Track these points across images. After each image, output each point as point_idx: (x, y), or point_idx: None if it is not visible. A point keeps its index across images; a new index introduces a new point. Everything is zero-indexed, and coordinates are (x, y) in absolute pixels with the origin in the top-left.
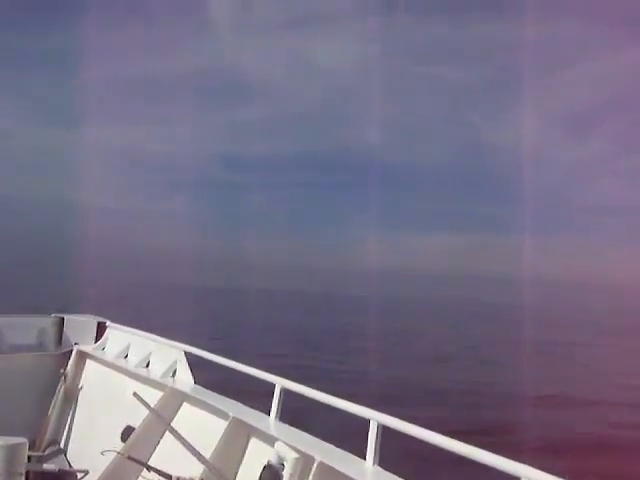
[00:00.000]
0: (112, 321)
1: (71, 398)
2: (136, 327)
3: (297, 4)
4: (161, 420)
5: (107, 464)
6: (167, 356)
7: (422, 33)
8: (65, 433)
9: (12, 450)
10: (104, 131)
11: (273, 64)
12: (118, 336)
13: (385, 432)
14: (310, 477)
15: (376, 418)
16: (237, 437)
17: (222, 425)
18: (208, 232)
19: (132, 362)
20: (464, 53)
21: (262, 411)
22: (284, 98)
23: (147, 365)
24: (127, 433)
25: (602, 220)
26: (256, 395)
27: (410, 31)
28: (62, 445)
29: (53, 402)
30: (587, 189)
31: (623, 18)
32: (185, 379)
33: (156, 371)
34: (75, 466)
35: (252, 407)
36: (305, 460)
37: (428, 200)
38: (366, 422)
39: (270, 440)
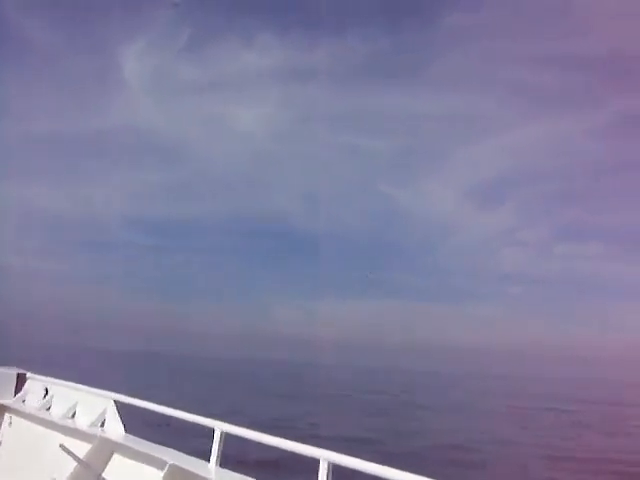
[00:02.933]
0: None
1: None
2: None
3: (212, 68)
4: (90, 472)
5: None
6: (95, 405)
7: (340, 100)
8: None
9: None
10: (8, 189)
11: (187, 127)
12: (40, 387)
13: (337, 471)
14: None
15: (326, 457)
16: None
17: (158, 474)
18: (112, 294)
19: (56, 413)
20: (382, 122)
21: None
22: (196, 161)
23: (73, 416)
24: None
25: (505, 288)
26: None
27: (329, 99)
28: None
29: None
30: (491, 259)
31: (527, 92)
32: (115, 428)
33: (83, 421)
34: None
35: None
36: None
37: (344, 268)
38: (316, 462)
39: None
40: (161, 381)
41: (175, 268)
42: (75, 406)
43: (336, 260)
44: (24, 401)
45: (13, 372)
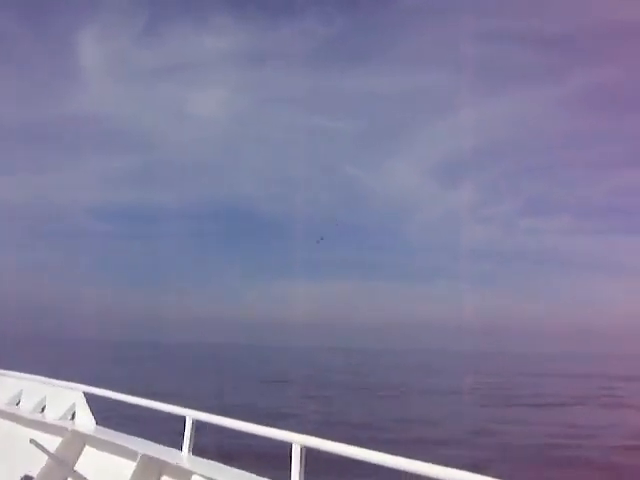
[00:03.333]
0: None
1: None
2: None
3: (170, 52)
4: (62, 466)
5: None
6: (64, 399)
7: (299, 82)
8: None
9: None
10: None
11: (146, 112)
12: (8, 382)
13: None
14: None
15: (299, 441)
16: (148, 475)
17: (131, 465)
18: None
19: (26, 408)
20: (343, 103)
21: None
22: (157, 147)
23: (43, 410)
24: None
25: (470, 265)
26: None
27: (287, 80)
28: None
29: None
30: (457, 235)
31: (489, 68)
32: (86, 421)
33: (53, 415)
34: None
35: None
36: None
37: (305, 249)
38: (288, 445)
39: (185, 475)
40: (130, 369)
41: (141, 254)
42: (44, 400)
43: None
44: None
45: None
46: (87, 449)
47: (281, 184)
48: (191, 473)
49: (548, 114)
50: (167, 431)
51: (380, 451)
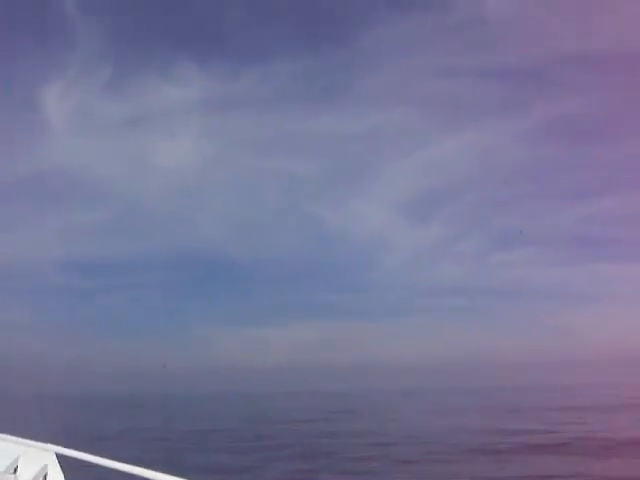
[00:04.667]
0: None
1: None
2: None
3: (135, 103)
4: None
5: None
6: (37, 460)
7: (263, 127)
8: None
9: None
10: None
11: (112, 165)
12: None
13: None
14: None
15: None
16: None
17: None
18: (52, 339)
19: None
20: (307, 144)
21: None
22: (124, 199)
23: (15, 471)
24: None
25: (442, 302)
26: None
27: (251, 125)
28: None
29: None
30: (428, 272)
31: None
32: None
33: (25, 477)
34: None
35: None
36: None
37: (274, 293)
38: None
39: None
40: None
41: (111, 307)
42: (17, 460)
43: (271, 285)
44: None
45: None
46: None
47: (248, 228)
48: None
49: (511, 147)
50: None
51: None
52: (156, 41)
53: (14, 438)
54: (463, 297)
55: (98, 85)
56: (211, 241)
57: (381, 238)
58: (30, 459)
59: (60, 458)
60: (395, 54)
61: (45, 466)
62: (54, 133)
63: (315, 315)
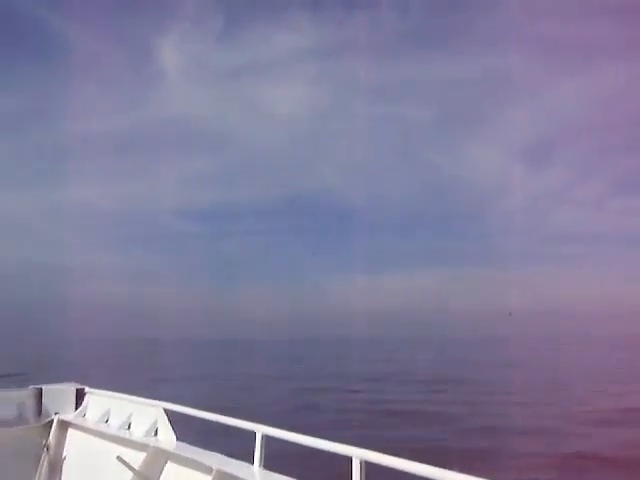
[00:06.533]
0: (91, 386)
1: (55, 469)
2: (118, 387)
3: (247, 52)
4: None
5: None
6: (148, 416)
7: (377, 73)
8: None
9: None
10: (60, 192)
11: (227, 114)
12: (98, 401)
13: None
14: None
15: (359, 455)
16: None
17: (207, 479)
18: (174, 284)
19: (113, 426)
20: (418, 91)
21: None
22: (240, 147)
23: (129, 427)
24: None
25: (560, 248)
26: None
27: (365, 71)
28: None
29: (37, 475)
30: (545, 219)
31: (568, 45)
32: (167, 437)
33: (138, 432)
34: None
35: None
36: None
37: (391, 239)
38: (349, 460)
39: None
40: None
41: (227, 253)
42: (130, 417)
43: (387, 232)
44: (84, 415)
45: (72, 388)
46: (168, 465)
47: (364, 175)
48: None
49: (632, 90)
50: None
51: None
52: None
53: (128, 397)
54: (580, 244)
55: (212, 36)
56: (327, 188)
57: (497, 184)
58: (142, 416)
59: (168, 413)
60: None
61: (155, 421)
62: (170, 83)
63: (429, 262)
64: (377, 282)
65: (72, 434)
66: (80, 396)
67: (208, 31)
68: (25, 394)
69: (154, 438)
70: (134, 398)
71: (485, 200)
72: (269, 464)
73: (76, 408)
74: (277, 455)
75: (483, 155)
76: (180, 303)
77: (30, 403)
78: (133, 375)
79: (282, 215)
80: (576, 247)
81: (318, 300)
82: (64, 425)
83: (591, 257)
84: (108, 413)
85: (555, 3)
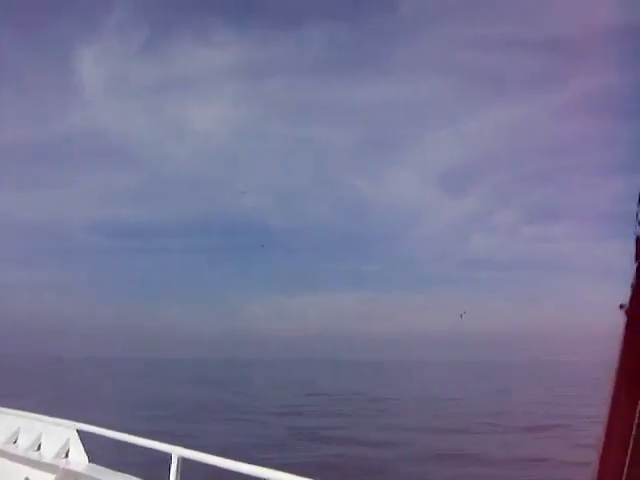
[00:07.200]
0: None
1: None
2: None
3: (170, 67)
4: None
5: None
6: (59, 436)
7: (298, 94)
8: None
9: None
10: None
11: (146, 128)
12: (6, 420)
13: None
14: None
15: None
16: None
17: None
18: (79, 300)
19: (22, 446)
20: (340, 114)
21: None
22: (158, 162)
23: (39, 448)
24: None
25: (474, 274)
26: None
27: (287, 92)
28: None
29: None
30: (461, 244)
31: (487, 76)
32: (79, 458)
33: (48, 453)
34: None
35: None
36: None
37: (309, 261)
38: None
39: None
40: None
41: (141, 270)
42: (40, 437)
43: (304, 254)
44: None
45: None
46: None
47: (282, 196)
48: None
49: (546, 120)
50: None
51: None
52: (192, 5)
53: (37, 416)
54: (495, 270)
55: (133, 49)
56: (244, 207)
57: (415, 209)
58: (53, 435)
59: (80, 434)
60: (433, 24)
61: (67, 441)
62: (89, 96)
63: (347, 285)
64: (295, 303)
65: None
66: None
67: (130, 44)
68: None
69: (65, 460)
70: (45, 417)
71: (404, 224)
72: None
73: None
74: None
75: (402, 180)
76: (91, 320)
77: None
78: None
79: (199, 234)
80: (491, 272)
81: (235, 320)
82: None
83: (505, 282)
84: (17, 433)
85: (476, 35)
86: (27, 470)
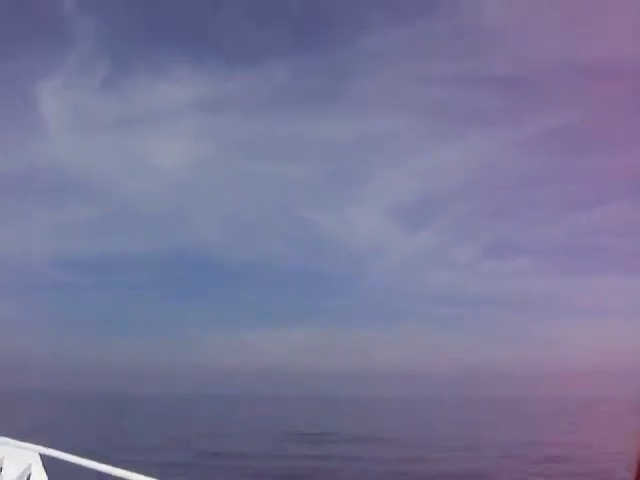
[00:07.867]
0: None
1: None
2: None
3: (130, 103)
4: None
5: None
6: (20, 460)
7: (257, 129)
8: None
9: None
10: None
11: (106, 163)
12: None
13: None
14: None
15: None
16: None
17: None
18: (39, 335)
19: None
20: (301, 149)
21: None
22: (118, 197)
23: (0, 471)
24: None
25: (433, 309)
26: None
27: (245, 127)
28: None
29: None
30: (421, 280)
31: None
32: None
33: (9, 476)
34: None
35: None
36: None
37: (270, 295)
38: None
39: None
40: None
41: (100, 304)
42: (2, 461)
43: (263, 289)
44: None
45: None
46: None
47: (241, 231)
48: None
49: (506, 156)
50: None
51: None
52: (152, 41)
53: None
54: (455, 306)
55: (94, 83)
56: (204, 242)
57: (374, 244)
58: (15, 459)
59: (43, 458)
60: (392, 60)
61: (29, 466)
62: (49, 130)
63: (305, 321)
64: (249, 338)
65: None
66: None
67: (91, 79)
68: None
69: None
70: (7, 440)
71: (364, 259)
72: None
73: None
74: None
75: (362, 215)
76: (47, 354)
77: None
78: None
79: (159, 267)
80: (450, 308)
81: (190, 355)
82: None
83: (466, 318)
84: None
85: (436, 71)
86: None
